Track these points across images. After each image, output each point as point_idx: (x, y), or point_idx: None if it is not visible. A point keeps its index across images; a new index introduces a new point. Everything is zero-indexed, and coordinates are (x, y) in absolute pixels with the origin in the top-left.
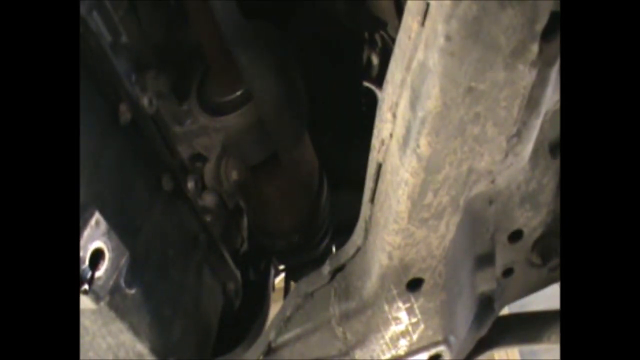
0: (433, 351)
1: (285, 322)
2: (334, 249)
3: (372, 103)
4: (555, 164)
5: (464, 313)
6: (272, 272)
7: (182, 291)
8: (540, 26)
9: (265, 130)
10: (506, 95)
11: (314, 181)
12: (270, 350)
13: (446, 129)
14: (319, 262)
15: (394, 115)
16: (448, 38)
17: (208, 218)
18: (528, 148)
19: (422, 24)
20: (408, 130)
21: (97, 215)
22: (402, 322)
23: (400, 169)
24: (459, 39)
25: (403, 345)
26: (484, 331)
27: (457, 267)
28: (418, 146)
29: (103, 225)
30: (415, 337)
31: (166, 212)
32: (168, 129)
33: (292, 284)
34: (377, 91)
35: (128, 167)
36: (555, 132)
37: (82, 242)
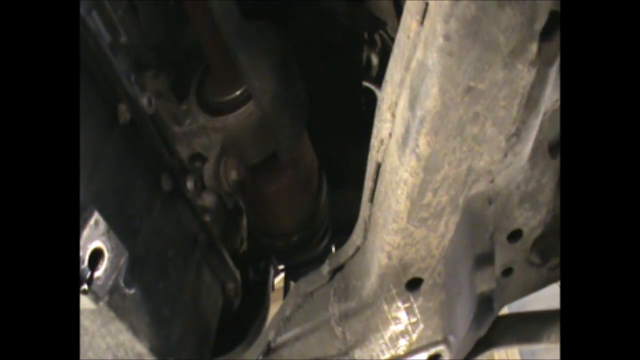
0: (432, 351)
1: (285, 322)
2: (333, 249)
3: (371, 103)
4: (555, 163)
5: (464, 313)
6: (272, 271)
7: (181, 291)
8: (539, 26)
9: (265, 130)
10: (505, 94)
11: (314, 181)
12: (269, 350)
13: (445, 128)
14: (318, 262)
15: (393, 115)
16: (447, 37)
17: (207, 218)
18: (527, 148)
19: (421, 23)
20: (407, 130)
21: (96, 215)
22: (402, 321)
23: (399, 168)
24: (457, 38)
25: (402, 345)
26: (483, 331)
27: (457, 267)
28: (417, 146)
29: (102, 225)
30: (414, 336)
31: (165, 212)
32: (167, 129)
33: (292, 283)
34: (376, 91)
35: (127, 167)
36: (554, 131)
37: (81, 242)
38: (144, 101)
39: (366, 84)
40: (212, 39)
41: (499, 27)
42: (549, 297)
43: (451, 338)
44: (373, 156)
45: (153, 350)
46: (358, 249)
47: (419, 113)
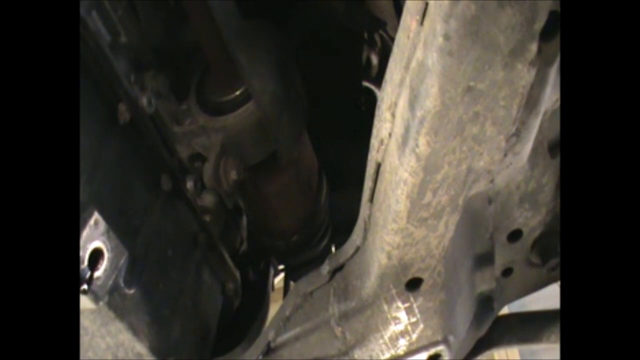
0: (432, 351)
1: (285, 321)
2: (333, 249)
3: (371, 103)
4: (555, 163)
5: (463, 313)
6: (272, 271)
7: (181, 291)
8: (539, 25)
9: (265, 130)
10: (505, 94)
11: (313, 181)
12: (269, 350)
13: (445, 128)
14: (318, 262)
15: (393, 115)
16: (447, 37)
17: (207, 218)
18: (527, 147)
19: (421, 23)
20: (407, 130)
21: (96, 215)
22: (402, 321)
23: (399, 168)
24: (457, 38)
25: (402, 345)
26: (483, 331)
27: (456, 267)
28: (417, 146)
29: (102, 225)
30: (414, 336)
31: (165, 212)
32: (167, 129)
33: (292, 283)
34: (376, 91)
35: (127, 167)
36: (554, 131)
37: (81, 242)
38: (144, 101)
39: (366, 84)
40: (212, 39)
41: (499, 27)
42: (549, 297)
43: (451, 338)
44: (373, 156)
45: (153, 350)
46: (358, 249)
47: (418, 113)
